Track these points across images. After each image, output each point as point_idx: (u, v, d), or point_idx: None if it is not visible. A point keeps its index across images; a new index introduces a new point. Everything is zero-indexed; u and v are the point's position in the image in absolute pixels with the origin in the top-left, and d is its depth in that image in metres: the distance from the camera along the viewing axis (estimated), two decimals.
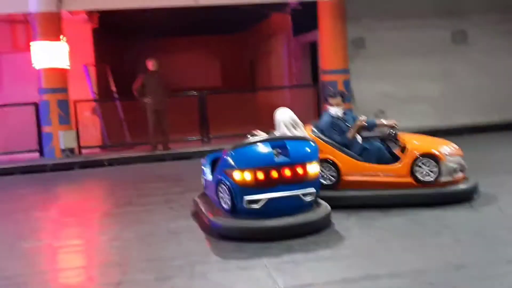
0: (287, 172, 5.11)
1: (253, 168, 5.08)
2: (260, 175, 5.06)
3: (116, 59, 17.41)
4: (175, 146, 11.29)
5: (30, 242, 5.62)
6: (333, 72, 11.90)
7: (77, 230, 6.12)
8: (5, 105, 11.51)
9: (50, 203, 7.71)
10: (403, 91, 12.41)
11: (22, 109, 11.44)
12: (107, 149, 12.05)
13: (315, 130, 6.26)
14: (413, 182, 5.95)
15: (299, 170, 5.14)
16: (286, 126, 5.61)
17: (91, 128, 12.37)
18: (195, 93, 12.38)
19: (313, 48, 13.57)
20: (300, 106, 13.54)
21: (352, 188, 6.10)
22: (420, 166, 5.93)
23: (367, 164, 6.09)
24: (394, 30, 12.33)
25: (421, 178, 5.92)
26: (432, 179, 5.90)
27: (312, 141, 5.49)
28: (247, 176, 5.07)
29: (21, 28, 12.27)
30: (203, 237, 5.33)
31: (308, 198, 5.26)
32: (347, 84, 11.96)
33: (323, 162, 5.94)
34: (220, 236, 5.16)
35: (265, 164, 5.10)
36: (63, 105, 11.07)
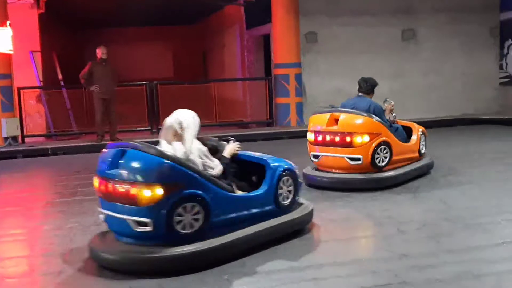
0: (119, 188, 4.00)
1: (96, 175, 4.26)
2: (96, 184, 4.26)
3: (64, 46, 16.93)
4: (123, 136, 11.08)
5: None
6: (285, 66, 11.96)
7: (19, 220, 5.91)
8: None
9: None
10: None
11: None
12: (52, 138, 11.73)
13: (371, 114, 6.43)
14: (418, 156, 7.05)
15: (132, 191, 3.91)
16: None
17: (36, 116, 12.02)
18: (143, 83, 12.20)
19: (267, 41, 13.59)
20: (253, 98, 13.59)
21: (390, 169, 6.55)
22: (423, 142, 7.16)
23: (403, 144, 6.79)
24: (347, 26, 12.50)
25: (422, 151, 7.11)
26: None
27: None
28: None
29: None
30: None
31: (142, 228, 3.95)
32: (299, 78, 12.04)
33: (381, 144, 6.31)
34: None
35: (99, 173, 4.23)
36: (7, 92, 10.71)
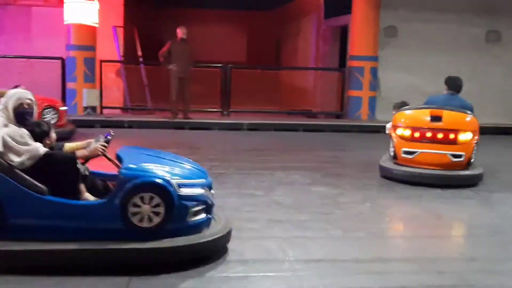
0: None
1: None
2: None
3: (145, 23, 17.41)
4: (195, 116, 11.32)
5: None
6: (361, 59, 11.82)
7: None
8: (32, 57, 11.61)
9: None
10: (429, 85, 12.24)
11: (49, 63, 11.54)
12: (128, 112, 12.13)
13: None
14: None
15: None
16: None
17: (114, 89, 12.46)
18: (219, 65, 12.39)
19: (343, 33, 13.45)
20: (324, 89, 13.51)
21: None
22: None
23: None
24: (428, 23, 12.18)
25: None
26: None
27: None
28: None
29: None
30: (218, 204, 5.35)
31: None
32: (374, 71, 11.87)
33: (477, 143, 6.50)
34: (219, 205, 5.20)
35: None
36: (90, 63, 11.16)
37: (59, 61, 11.39)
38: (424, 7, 12.20)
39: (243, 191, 5.92)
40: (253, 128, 11.03)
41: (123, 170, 3.68)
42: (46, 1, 12.33)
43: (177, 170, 3.85)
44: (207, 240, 3.80)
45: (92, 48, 11.22)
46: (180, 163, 4.06)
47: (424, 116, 6.49)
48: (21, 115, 3.76)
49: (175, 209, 3.65)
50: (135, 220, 3.60)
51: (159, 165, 3.83)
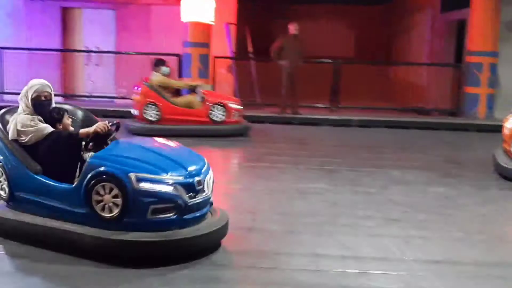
0: None
1: None
2: None
3: (256, 20, 17.71)
4: (303, 111, 11.37)
5: None
6: (480, 54, 11.24)
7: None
8: (151, 54, 12.23)
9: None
10: None
11: (166, 59, 12.08)
12: None
13: None
14: None
15: None
16: None
17: (225, 84, 12.81)
18: (329, 61, 12.33)
19: (460, 27, 12.86)
20: (438, 86, 13.02)
21: None
22: None
23: None
24: None
25: None
26: None
27: None
28: None
29: None
30: (332, 200, 5.40)
31: None
32: (493, 68, 11.25)
33: None
34: (333, 201, 5.20)
35: None
36: (204, 59, 11.56)
37: (176, 58, 11.91)
38: None
39: (357, 188, 5.88)
40: (363, 124, 10.88)
41: (91, 159, 3.83)
42: (165, 0, 12.94)
43: (148, 164, 3.79)
44: (161, 239, 3.67)
45: (207, 45, 11.62)
46: (166, 157, 3.95)
47: None
48: (37, 106, 4.11)
49: (130, 202, 3.63)
50: (98, 208, 3.71)
51: (133, 157, 3.85)
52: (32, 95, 4.11)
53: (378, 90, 13.12)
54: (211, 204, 4.16)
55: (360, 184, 6.05)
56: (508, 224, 4.93)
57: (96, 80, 12.79)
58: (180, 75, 11.80)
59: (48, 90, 4.19)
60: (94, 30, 12.95)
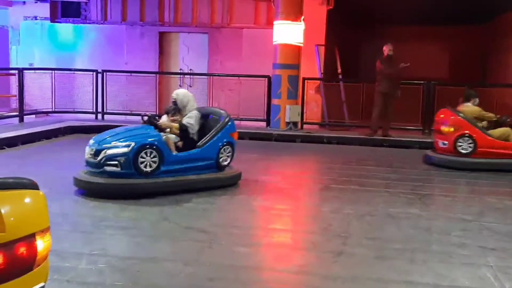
0: None
1: None
2: None
3: (345, 41, 17.70)
4: (394, 133, 11.18)
5: (259, 201, 6.16)
6: None
7: (301, 199, 6.51)
8: (242, 75, 12.58)
9: (275, 169, 8.30)
10: None
11: (255, 80, 12.38)
12: (326, 127, 12.45)
13: None
14: None
15: None
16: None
17: (313, 105, 12.88)
18: (422, 82, 12.07)
19: None
20: None
21: None
22: None
23: None
24: None
25: None
26: None
27: None
28: None
29: (263, 6, 13.23)
30: (425, 226, 5.28)
31: None
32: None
33: None
34: (426, 227, 5.13)
35: None
36: (293, 80, 11.71)
37: (265, 79, 12.15)
38: None
39: (451, 214, 5.72)
40: None
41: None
42: (255, 23, 13.28)
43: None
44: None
45: (296, 66, 11.77)
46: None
47: None
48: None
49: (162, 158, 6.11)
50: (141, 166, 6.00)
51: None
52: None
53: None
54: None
55: (455, 211, 5.87)
56: None
57: None
58: (269, 96, 12.02)
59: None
60: (188, 53, 13.54)
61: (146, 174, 5.98)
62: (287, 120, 11.59)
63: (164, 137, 6.18)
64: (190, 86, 13.31)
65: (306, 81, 12.19)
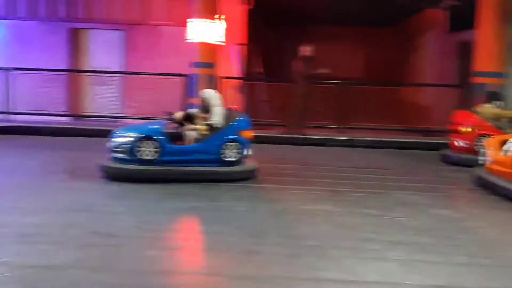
0: None
1: None
2: None
3: (265, 41, 17.81)
4: (310, 131, 11.35)
5: (171, 203, 6.03)
6: (487, 75, 11.22)
7: (214, 199, 6.44)
8: (159, 74, 12.32)
9: None
10: None
11: (172, 79, 12.17)
12: None
13: None
14: None
15: None
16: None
17: (234, 105, 12.82)
18: (337, 82, 12.34)
19: (465, 48, 12.88)
20: (444, 106, 12.98)
21: None
22: None
23: None
24: None
25: None
26: None
27: None
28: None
29: (182, 4, 13.01)
30: (338, 222, 5.37)
31: None
32: (501, 89, 11.22)
33: None
34: (338, 223, 5.19)
35: None
36: (212, 80, 11.59)
37: (182, 78, 11.97)
38: None
39: (363, 210, 5.85)
40: (370, 145, 10.86)
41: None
42: (174, 21, 13.05)
43: None
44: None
45: (213, 65, 11.67)
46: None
47: None
48: None
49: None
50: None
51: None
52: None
53: (386, 111, 13.08)
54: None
55: (366, 206, 6.01)
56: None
57: (102, 100, 12.89)
58: (187, 95, 11.86)
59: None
60: (102, 50, 13.11)
61: (147, 162, 6.77)
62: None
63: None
64: (104, 85, 12.91)
65: (224, 80, 12.12)
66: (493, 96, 9.14)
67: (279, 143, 10.79)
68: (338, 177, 7.64)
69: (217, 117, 7.17)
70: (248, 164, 7.35)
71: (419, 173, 8.28)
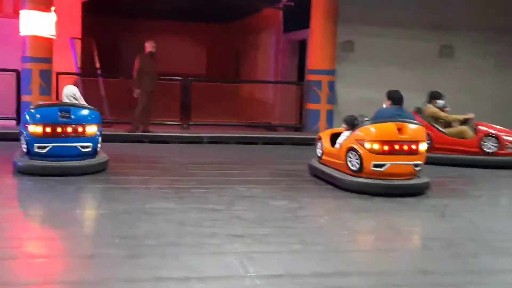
0: (69, 129, 7.11)
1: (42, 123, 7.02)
2: (47, 129, 7.03)
3: (103, 35, 17.21)
4: (154, 129, 11.22)
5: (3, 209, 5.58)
6: (319, 72, 12.00)
7: (50, 203, 6.07)
8: None
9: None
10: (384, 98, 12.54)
11: (2, 75, 11.26)
12: None
13: None
14: None
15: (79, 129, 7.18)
16: (68, 98, 7.45)
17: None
18: (179, 78, 12.36)
19: (302, 47, 13.65)
20: (283, 102, 13.64)
21: None
22: None
23: None
24: (384, 38, 12.49)
25: None
26: None
27: (94, 109, 7.60)
28: (38, 129, 7.01)
29: None
30: (179, 219, 5.35)
31: (86, 150, 7.25)
32: (331, 85, 12.07)
33: None
34: (180, 220, 5.29)
35: (51, 121, 7.06)
36: (46, 75, 10.95)
37: (14, 74, 11.13)
38: (379, 22, 12.50)
39: (204, 206, 5.91)
40: (214, 141, 11.04)
41: None
42: (1, 12, 12.06)
43: None
44: None
45: (49, 60, 11.00)
46: None
47: (392, 129, 6.78)
48: None
49: None
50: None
51: None
52: None
53: (229, 107, 13.41)
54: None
55: (208, 202, 6.08)
56: (343, 234, 5.22)
57: None
58: (18, 92, 11.04)
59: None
60: None
61: None
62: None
63: None
64: None
65: (60, 75, 11.50)
66: (434, 96, 9.60)
67: (121, 141, 10.51)
68: (182, 174, 7.65)
69: None
70: None
71: (262, 167, 8.59)
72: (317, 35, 12.03)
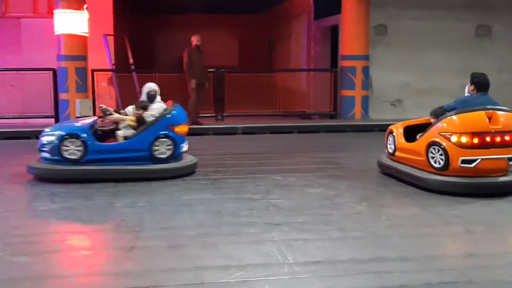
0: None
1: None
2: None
3: (135, 31, 17.39)
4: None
5: (45, 205, 5.72)
6: (352, 58, 11.86)
7: (91, 197, 6.19)
8: (22, 69, 11.59)
9: None
10: (421, 82, 12.34)
11: (39, 74, 11.51)
12: None
13: None
14: None
15: None
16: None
17: (107, 97, 12.44)
18: (212, 70, 12.38)
19: (334, 33, 13.50)
20: (317, 90, 13.54)
21: None
22: None
23: None
24: (418, 20, 12.25)
25: None
26: None
27: None
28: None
29: None
30: (216, 209, 5.39)
31: None
32: (366, 71, 11.91)
33: None
34: (217, 210, 5.28)
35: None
36: (81, 73, 11.14)
37: (50, 72, 11.36)
38: (413, 4, 12.27)
39: (241, 195, 5.93)
40: (248, 131, 11.06)
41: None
42: (35, 12, 12.30)
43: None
44: None
45: (83, 57, 11.19)
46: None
47: (482, 118, 5.86)
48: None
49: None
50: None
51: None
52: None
53: (262, 97, 13.38)
54: None
55: (244, 191, 6.10)
56: (382, 221, 5.16)
57: None
58: (56, 91, 11.27)
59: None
60: None
61: (72, 161, 6.55)
62: (78, 115, 10.99)
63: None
64: None
65: (95, 72, 11.68)
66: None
67: None
68: (217, 165, 7.69)
69: (153, 112, 6.86)
70: (183, 161, 7.05)
71: (297, 155, 8.56)
72: (349, 20, 11.88)
